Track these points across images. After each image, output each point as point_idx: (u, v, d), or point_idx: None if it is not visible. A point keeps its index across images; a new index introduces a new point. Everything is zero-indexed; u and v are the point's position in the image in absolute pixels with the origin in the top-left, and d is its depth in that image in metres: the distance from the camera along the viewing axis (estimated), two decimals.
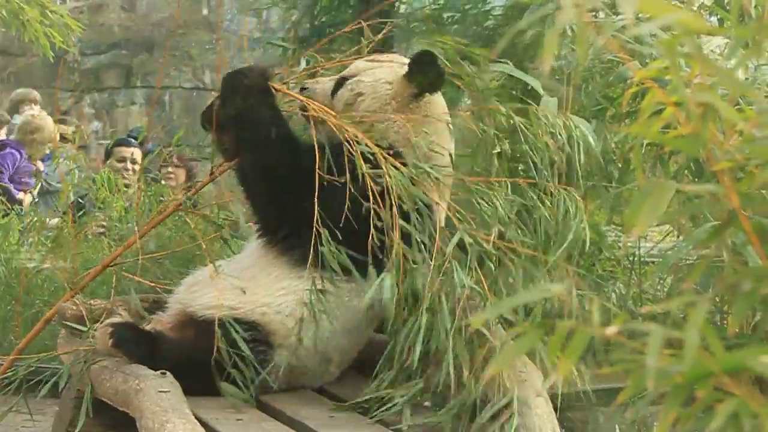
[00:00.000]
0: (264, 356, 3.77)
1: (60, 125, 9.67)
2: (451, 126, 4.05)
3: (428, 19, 5.80)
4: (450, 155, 3.94)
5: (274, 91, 3.95)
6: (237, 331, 3.71)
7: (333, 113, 3.95)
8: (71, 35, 6.82)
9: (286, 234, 3.85)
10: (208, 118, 3.99)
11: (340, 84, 4.16)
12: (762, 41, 1.71)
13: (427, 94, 4.02)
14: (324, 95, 4.15)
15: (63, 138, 9.26)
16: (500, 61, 4.44)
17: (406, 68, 4.04)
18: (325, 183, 3.71)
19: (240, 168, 3.96)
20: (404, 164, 3.80)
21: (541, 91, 4.46)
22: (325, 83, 4.21)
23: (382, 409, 3.60)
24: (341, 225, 3.66)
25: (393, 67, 4.15)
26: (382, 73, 4.14)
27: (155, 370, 3.62)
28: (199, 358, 3.69)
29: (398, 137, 3.96)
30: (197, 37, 13.37)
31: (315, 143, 3.80)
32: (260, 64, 4.11)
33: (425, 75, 3.98)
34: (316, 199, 3.70)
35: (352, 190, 3.69)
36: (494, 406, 3.37)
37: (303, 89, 4.18)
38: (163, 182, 7.71)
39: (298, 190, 3.77)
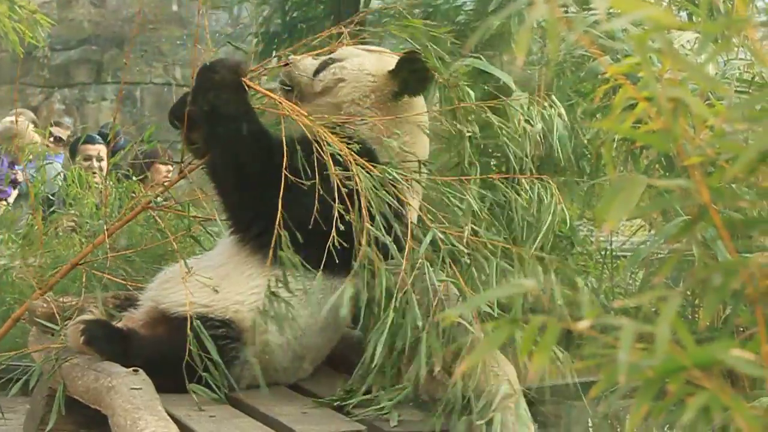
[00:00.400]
0: (236, 353, 3.77)
1: (56, 127, 9.53)
2: (427, 131, 4.04)
3: (400, 15, 5.79)
4: (420, 162, 3.92)
5: (246, 87, 3.91)
6: (204, 331, 3.70)
7: (305, 113, 3.91)
8: (41, 30, 6.78)
9: (259, 232, 3.83)
10: (178, 115, 3.95)
11: (324, 66, 4.13)
12: (731, 36, 1.72)
13: (407, 96, 4.02)
14: (306, 73, 4.13)
15: (58, 140, 9.17)
16: (472, 56, 4.44)
17: (392, 64, 4.03)
18: (294, 181, 3.70)
19: (211, 165, 3.93)
20: (376, 162, 3.79)
21: (513, 86, 4.46)
22: (308, 62, 4.18)
23: (353, 404, 3.62)
24: (313, 224, 3.65)
25: (381, 59, 4.13)
26: (367, 63, 4.12)
27: (127, 367, 3.60)
28: (172, 356, 3.68)
29: (372, 134, 3.95)
30: (168, 32, 13.32)
31: (284, 140, 3.78)
32: (233, 58, 4.06)
33: (410, 76, 3.96)
34: (288, 196, 3.69)
35: (321, 190, 3.67)
36: (480, 402, 3.38)
37: (287, 64, 4.16)
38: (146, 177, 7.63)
39: (270, 188, 3.74)
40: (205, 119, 3.86)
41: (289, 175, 3.69)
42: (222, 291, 3.83)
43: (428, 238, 3.64)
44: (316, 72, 4.12)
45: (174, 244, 4.02)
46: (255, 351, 3.81)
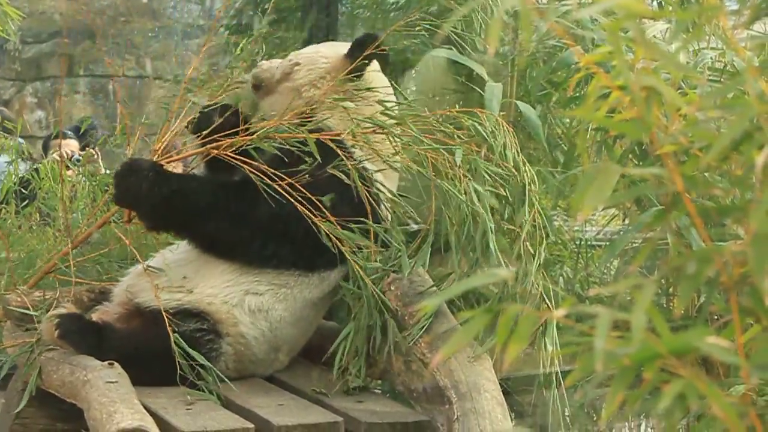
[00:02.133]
0: (212, 345, 3.77)
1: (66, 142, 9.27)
2: (393, 107, 4.04)
3: (372, 5, 5.79)
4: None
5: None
6: (180, 323, 3.70)
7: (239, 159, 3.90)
8: (11, 23, 6.73)
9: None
10: (202, 128, 4.02)
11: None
12: (703, 24, 1.73)
13: (364, 73, 4.04)
14: (270, 72, 4.20)
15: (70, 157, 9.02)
16: (445, 47, 4.46)
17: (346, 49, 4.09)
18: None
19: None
20: (346, 152, 3.81)
21: (486, 77, 4.47)
22: (276, 62, 4.28)
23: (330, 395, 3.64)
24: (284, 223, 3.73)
25: (334, 45, 4.28)
26: (322, 47, 4.27)
27: (102, 361, 3.59)
28: (147, 348, 3.68)
29: (339, 123, 3.97)
30: (140, 25, 13.26)
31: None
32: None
33: (363, 52, 4.00)
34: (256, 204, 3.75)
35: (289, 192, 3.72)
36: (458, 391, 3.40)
37: (257, 65, 4.30)
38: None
39: (235, 225, 3.83)
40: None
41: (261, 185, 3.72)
42: (195, 284, 3.83)
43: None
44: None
45: (133, 249, 4.01)
46: (231, 342, 3.81)
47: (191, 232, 3.92)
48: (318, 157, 3.69)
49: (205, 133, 3.98)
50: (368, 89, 4.00)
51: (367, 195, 3.76)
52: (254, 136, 3.85)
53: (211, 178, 3.96)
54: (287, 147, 3.77)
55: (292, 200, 3.70)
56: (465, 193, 3.70)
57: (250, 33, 6.75)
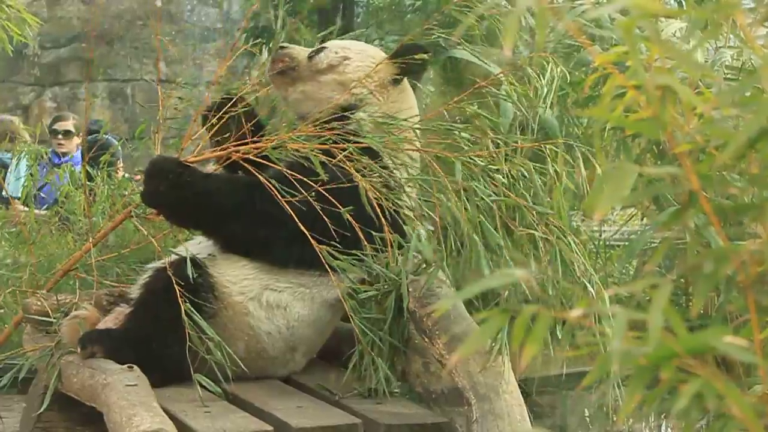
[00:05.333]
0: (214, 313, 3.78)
1: (62, 122, 9.33)
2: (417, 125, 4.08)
3: (389, 6, 5.81)
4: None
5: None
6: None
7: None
8: (29, 29, 6.76)
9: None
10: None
11: (319, 50, 4.22)
12: (719, 22, 1.72)
13: (403, 82, 4.11)
14: (301, 57, 4.20)
15: (67, 133, 9.07)
16: (460, 48, 4.47)
17: (384, 53, 4.16)
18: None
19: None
20: (376, 158, 3.83)
21: (502, 78, 4.46)
22: (301, 48, 4.31)
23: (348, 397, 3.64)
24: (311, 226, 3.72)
25: (375, 48, 4.34)
26: (367, 47, 4.31)
27: (131, 347, 3.62)
28: (156, 300, 3.73)
29: (374, 128, 4.00)
30: (157, 28, 13.29)
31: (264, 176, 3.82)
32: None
33: (410, 61, 4.03)
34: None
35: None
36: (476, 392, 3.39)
37: (282, 47, 4.27)
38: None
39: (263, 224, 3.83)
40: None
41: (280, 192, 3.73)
42: (216, 268, 3.85)
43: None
44: (311, 56, 4.20)
45: (156, 244, 4.02)
46: (239, 330, 3.82)
47: (215, 232, 3.94)
48: (345, 161, 3.72)
49: (216, 126, 4.00)
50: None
51: (394, 203, 3.77)
52: (286, 137, 3.87)
53: (235, 178, 3.94)
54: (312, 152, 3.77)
55: (315, 201, 3.70)
56: (466, 209, 3.70)
57: (268, 35, 6.76)
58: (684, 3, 4.67)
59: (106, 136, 6.94)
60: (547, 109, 4.43)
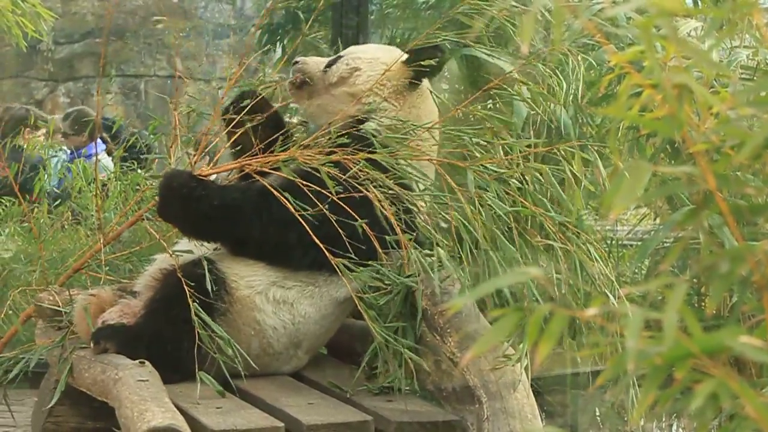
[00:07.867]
0: (224, 312, 3.78)
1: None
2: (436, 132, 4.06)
3: (403, 4, 5.81)
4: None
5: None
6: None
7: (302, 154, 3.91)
8: (44, 24, 6.78)
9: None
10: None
11: (334, 61, 4.19)
12: (736, 21, 1.71)
13: (421, 84, 4.07)
14: (316, 68, 4.18)
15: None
16: (472, 46, 4.47)
17: (401, 56, 4.09)
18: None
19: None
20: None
21: (516, 76, 4.45)
22: (317, 59, 4.27)
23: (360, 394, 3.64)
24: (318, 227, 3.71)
25: (390, 50, 4.23)
26: (380, 53, 4.21)
27: (131, 346, 3.62)
28: (170, 298, 3.73)
29: (390, 124, 3.99)
30: (171, 24, 13.31)
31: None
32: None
33: (425, 60, 4.00)
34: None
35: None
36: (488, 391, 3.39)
37: (295, 63, 4.24)
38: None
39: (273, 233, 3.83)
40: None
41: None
42: (225, 263, 3.86)
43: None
44: (327, 66, 4.18)
45: (165, 245, 4.02)
46: (246, 325, 3.83)
47: (231, 243, 3.94)
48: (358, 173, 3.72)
49: (234, 119, 4.01)
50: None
51: (405, 211, 3.76)
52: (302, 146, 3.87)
53: (248, 189, 3.91)
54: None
55: (327, 205, 3.69)
56: (480, 213, 3.69)
57: (282, 32, 6.76)
58: (700, 2, 4.65)
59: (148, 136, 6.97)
60: (563, 108, 4.43)
